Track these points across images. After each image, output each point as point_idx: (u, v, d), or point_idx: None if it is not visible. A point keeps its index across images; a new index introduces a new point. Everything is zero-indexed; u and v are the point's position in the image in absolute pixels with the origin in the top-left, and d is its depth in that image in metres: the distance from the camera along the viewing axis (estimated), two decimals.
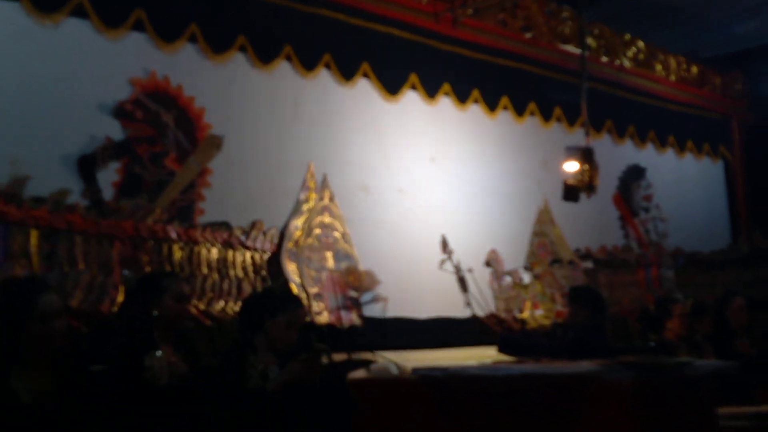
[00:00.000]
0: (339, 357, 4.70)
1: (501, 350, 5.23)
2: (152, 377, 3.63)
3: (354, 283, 5.88)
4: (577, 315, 5.29)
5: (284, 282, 5.46)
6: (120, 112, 5.09)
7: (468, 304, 5.26)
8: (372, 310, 5.99)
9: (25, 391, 3.11)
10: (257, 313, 4.11)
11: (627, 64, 8.57)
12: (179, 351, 3.84)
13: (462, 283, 5.33)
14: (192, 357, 3.91)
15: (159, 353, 3.70)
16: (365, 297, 6.01)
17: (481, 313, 5.36)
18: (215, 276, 5.19)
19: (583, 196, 6.42)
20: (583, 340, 5.07)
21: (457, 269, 5.38)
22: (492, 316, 5.29)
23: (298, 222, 5.74)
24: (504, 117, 7.38)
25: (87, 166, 4.88)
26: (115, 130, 5.05)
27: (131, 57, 5.20)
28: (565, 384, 3.90)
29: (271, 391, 3.88)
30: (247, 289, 5.25)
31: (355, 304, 5.88)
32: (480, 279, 6.74)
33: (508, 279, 6.97)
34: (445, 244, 5.54)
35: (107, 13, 5.04)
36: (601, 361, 4.14)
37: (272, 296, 4.21)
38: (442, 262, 5.36)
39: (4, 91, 4.66)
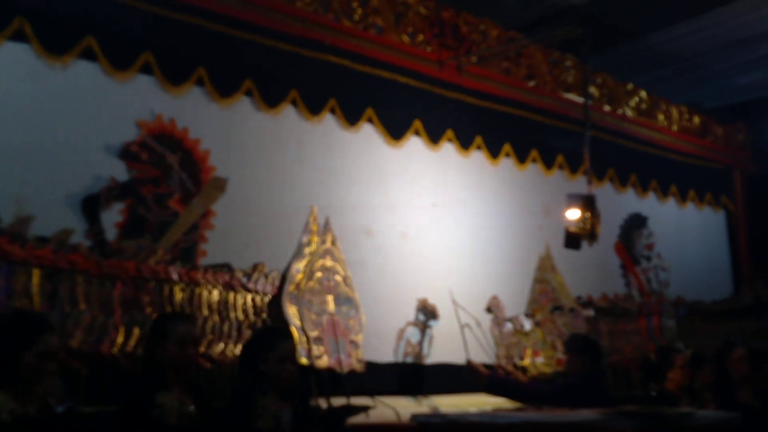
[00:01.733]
0: (338, 402, 4.68)
1: (488, 391, 5.19)
2: (161, 415, 3.62)
3: (427, 307, 6.33)
4: (573, 363, 5.29)
5: (270, 321, 5.44)
6: (126, 154, 5.12)
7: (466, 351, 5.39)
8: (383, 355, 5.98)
9: (5, 411, 3.16)
10: (250, 357, 4.10)
11: (629, 113, 8.63)
12: (190, 393, 3.82)
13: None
14: (201, 399, 3.89)
15: (170, 393, 3.70)
16: (431, 322, 6.32)
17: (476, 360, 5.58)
18: (216, 318, 5.18)
19: (584, 243, 6.43)
20: (575, 387, 5.07)
21: (459, 320, 5.50)
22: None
23: (300, 265, 5.75)
24: (506, 164, 7.42)
25: (91, 206, 4.90)
26: (120, 171, 5.08)
27: (138, 99, 5.25)
28: None
29: None
30: (247, 332, 5.23)
31: (424, 326, 6.35)
32: (483, 325, 6.75)
33: (509, 325, 6.95)
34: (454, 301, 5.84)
35: (115, 55, 5.10)
36: (602, 409, 4.12)
37: (260, 338, 4.19)
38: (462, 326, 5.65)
39: (11, 130, 4.71)
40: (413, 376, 6.26)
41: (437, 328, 6.41)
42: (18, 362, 3.23)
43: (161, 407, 3.62)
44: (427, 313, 6.40)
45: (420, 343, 6.37)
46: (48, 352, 3.30)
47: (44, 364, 3.28)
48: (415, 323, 6.39)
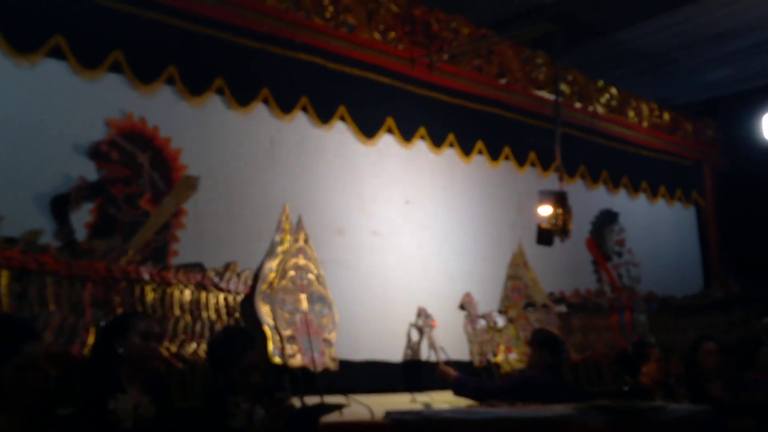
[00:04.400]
0: (312, 400, 4.68)
1: (456, 393, 5.68)
2: (116, 421, 3.58)
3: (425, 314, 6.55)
4: (533, 356, 5.57)
5: (243, 321, 5.41)
6: (95, 153, 5.08)
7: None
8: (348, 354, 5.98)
9: None
10: (217, 362, 4.08)
11: (600, 110, 8.68)
12: (148, 393, 3.78)
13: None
14: (163, 400, 3.86)
15: (124, 396, 3.66)
16: (426, 330, 6.48)
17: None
18: (188, 318, 5.15)
19: (556, 240, 6.47)
20: (530, 381, 5.29)
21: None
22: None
23: (273, 264, 5.72)
24: (479, 161, 7.44)
25: (60, 206, 4.85)
26: (89, 171, 5.03)
27: (108, 98, 5.21)
28: (538, 427, 3.90)
29: None
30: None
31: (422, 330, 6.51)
32: (456, 322, 6.79)
33: (482, 322, 6.97)
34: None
35: (84, 54, 5.05)
36: (576, 404, 4.15)
37: (223, 347, 4.14)
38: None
39: None
40: (413, 373, 6.39)
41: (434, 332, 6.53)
42: None
43: (114, 414, 3.57)
44: (426, 319, 6.47)
45: (419, 343, 6.47)
46: (30, 363, 3.04)
47: (25, 376, 3.03)
48: (416, 325, 6.49)
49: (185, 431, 3.81)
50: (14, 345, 3.04)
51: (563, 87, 8.12)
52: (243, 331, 4.67)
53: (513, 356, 6.85)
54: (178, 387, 4.87)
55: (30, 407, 3.22)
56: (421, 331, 6.45)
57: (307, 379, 5.51)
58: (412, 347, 6.44)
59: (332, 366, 5.75)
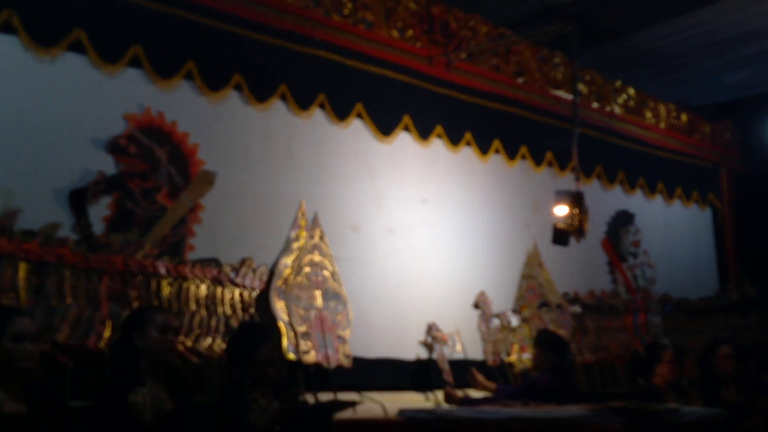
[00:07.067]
0: (325, 397, 4.69)
1: None
2: (135, 414, 3.61)
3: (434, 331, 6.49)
4: (539, 357, 5.59)
5: (258, 316, 5.42)
6: (113, 147, 5.10)
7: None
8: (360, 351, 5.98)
9: None
10: (234, 358, 4.11)
11: (617, 110, 8.65)
12: (167, 387, 3.81)
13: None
14: (182, 394, 3.88)
15: (144, 389, 3.69)
16: (436, 346, 6.43)
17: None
18: (203, 313, 5.17)
19: (572, 240, 6.45)
20: (537, 385, 5.30)
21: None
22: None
23: (288, 260, 5.74)
24: (495, 160, 7.43)
25: (78, 200, 4.87)
26: (108, 165, 5.06)
27: (127, 92, 5.22)
28: (553, 428, 3.91)
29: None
30: (235, 326, 5.22)
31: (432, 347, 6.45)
32: (470, 321, 6.79)
33: (496, 321, 6.97)
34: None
35: (104, 48, 5.07)
36: (590, 405, 4.15)
37: (240, 342, 4.18)
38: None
39: None
40: (423, 372, 6.37)
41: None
42: None
43: (134, 406, 3.61)
44: (436, 337, 6.43)
45: (428, 360, 6.42)
46: (23, 333, 3.35)
47: (21, 346, 3.32)
48: (425, 342, 6.44)
49: (203, 426, 3.84)
50: (4, 319, 3.39)
51: (581, 87, 8.09)
52: (259, 326, 4.70)
53: (526, 356, 6.84)
54: (193, 381, 4.89)
55: (33, 389, 3.32)
56: (431, 348, 6.40)
57: (321, 376, 5.53)
58: (422, 365, 6.39)
59: (346, 363, 5.76)
